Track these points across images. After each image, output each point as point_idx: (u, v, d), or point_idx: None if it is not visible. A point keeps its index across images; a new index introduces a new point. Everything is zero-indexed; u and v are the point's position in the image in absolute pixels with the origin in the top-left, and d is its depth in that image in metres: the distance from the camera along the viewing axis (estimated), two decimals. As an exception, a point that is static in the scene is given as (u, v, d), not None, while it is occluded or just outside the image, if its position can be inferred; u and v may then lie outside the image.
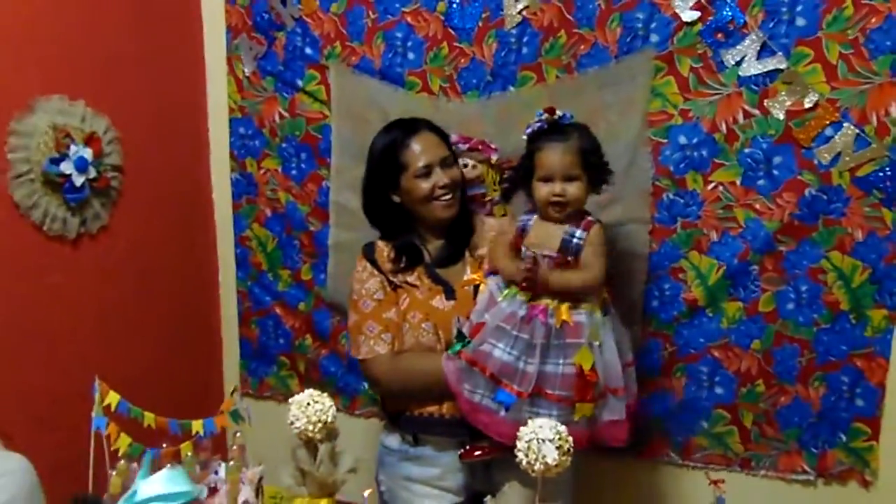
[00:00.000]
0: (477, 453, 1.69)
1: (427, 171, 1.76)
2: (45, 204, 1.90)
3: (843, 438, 1.95)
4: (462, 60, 2.11)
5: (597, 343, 1.61)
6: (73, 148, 1.93)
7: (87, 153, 1.97)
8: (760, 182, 1.90)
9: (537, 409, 1.60)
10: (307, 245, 2.42)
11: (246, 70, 2.39)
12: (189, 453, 1.55)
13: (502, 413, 1.61)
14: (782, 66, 1.83)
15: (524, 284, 1.61)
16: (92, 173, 1.99)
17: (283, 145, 2.39)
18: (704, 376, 2.03)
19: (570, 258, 1.62)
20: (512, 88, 2.07)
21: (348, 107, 2.25)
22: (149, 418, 1.56)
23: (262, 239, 2.49)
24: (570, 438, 1.37)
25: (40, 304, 1.95)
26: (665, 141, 1.96)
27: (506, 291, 1.66)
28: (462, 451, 1.70)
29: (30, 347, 1.92)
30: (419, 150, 1.77)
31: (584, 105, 1.97)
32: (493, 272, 1.72)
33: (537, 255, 1.63)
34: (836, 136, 1.82)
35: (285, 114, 2.37)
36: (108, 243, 2.12)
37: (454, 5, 2.09)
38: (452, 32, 2.11)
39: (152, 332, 2.33)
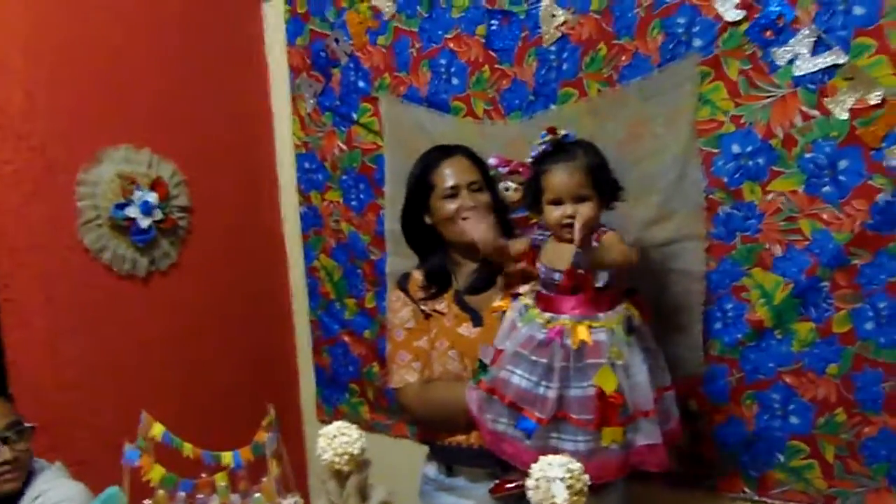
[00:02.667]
0: (508, 486, 1.63)
1: (454, 193, 1.76)
2: (113, 246, 2.06)
3: (942, 475, 1.71)
4: (504, 82, 2.08)
5: (620, 362, 1.52)
6: (137, 193, 2.07)
7: (152, 197, 2.11)
8: (826, 189, 1.71)
9: (563, 436, 1.54)
10: (369, 273, 2.46)
11: (307, 107, 2.48)
12: (223, 483, 1.60)
13: (526, 442, 1.55)
14: (841, 61, 1.65)
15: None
16: (158, 215, 2.13)
17: (344, 177, 2.45)
18: (777, 404, 1.85)
19: (580, 271, 1.54)
20: (553, 106, 2.01)
21: (399, 136, 2.28)
22: (187, 449, 1.62)
23: (329, 269, 2.55)
24: (586, 477, 1.30)
25: (115, 340, 2.10)
26: (717, 151, 1.82)
27: (525, 315, 1.60)
28: (493, 485, 1.65)
29: (106, 382, 2.07)
30: (448, 173, 1.78)
31: (628, 118, 1.90)
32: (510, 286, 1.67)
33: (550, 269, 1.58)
34: (910, 135, 1.62)
35: (343, 147, 2.43)
36: (179, 279, 2.26)
37: (493, 27, 2.07)
38: (493, 54, 2.08)
39: (228, 362, 2.45)
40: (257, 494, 1.57)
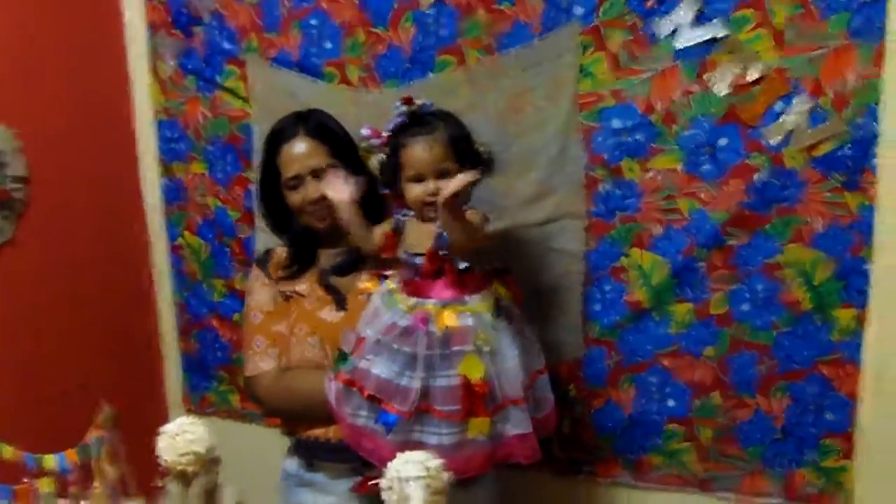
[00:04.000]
0: (371, 483, 1.51)
1: (296, 184, 1.61)
2: (-70, 221, 1.80)
3: (813, 457, 1.71)
4: (379, 47, 1.93)
5: (487, 349, 1.42)
6: (-41, 161, 1.82)
7: (-23, 166, 1.85)
8: (705, 168, 1.67)
9: (426, 429, 1.43)
10: (238, 252, 2.27)
11: (168, 69, 2.25)
12: (48, 490, 1.41)
13: (387, 437, 1.43)
14: (722, 35, 1.60)
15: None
16: (-15, 186, 1.88)
17: (209, 147, 2.24)
18: (654, 387, 1.81)
19: (443, 253, 1.43)
20: (431, 74, 1.88)
21: (269, 103, 2.08)
22: (7, 452, 1.43)
23: (195, 247, 2.34)
24: (445, 475, 1.20)
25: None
26: (598, 125, 1.74)
27: (389, 299, 1.48)
28: (354, 482, 1.53)
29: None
30: (290, 158, 1.62)
31: (508, 88, 1.80)
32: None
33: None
34: (787, 112, 1.58)
35: (208, 114, 2.21)
36: (15, 258, 1.99)
37: (368, -14, 1.92)
38: (368, 17, 1.93)
39: (80, 351, 2.20)
40: (84, 503, 1.39)
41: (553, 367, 1.67)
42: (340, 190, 1.50)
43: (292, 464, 1.68)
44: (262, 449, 2.02)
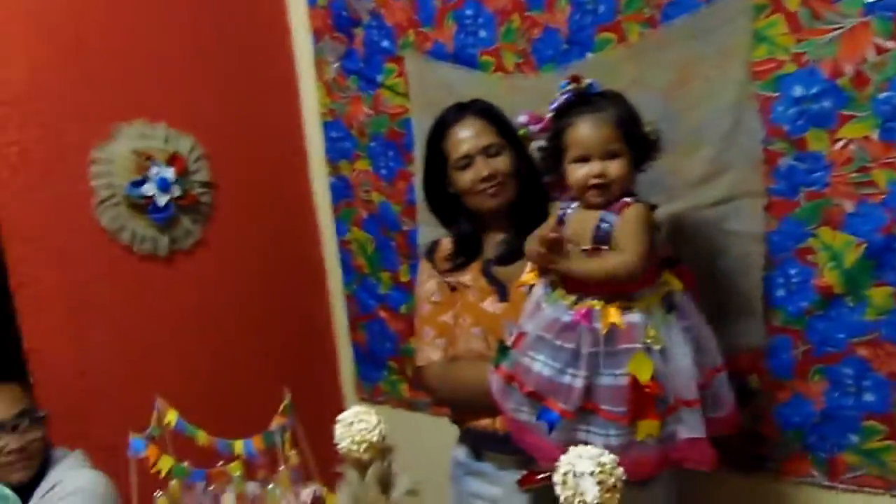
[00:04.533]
0: (538, 477, 1.48)
1: (467, 163, 1.60)
2: (132, 226, 1.98)
3: None
4: (535, 31, 1.89)
5: (657, 347, 1.34)
6: (153, 169, 1.99)
7: (170, 173, 2.02)
8: (905, 134, 1.49)
9: (592, 429, 1.37)
10: (402, 245, 2.32)
11: (331, 71, 2.34)
12: (237, 473, 1.51)
13: (550, 434, 1.39)
14: (922, -18, 1.41)
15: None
16: (177, 192, 2.05)
17: (372, 144, 2.31)
18: (849, 380, 1.63)
19: (604, 247, 1.36)
20: (590, 55, 1.81)
21: (426, 97, 2.12)
22: (201, 437, 1.54)
23: (362, 241, 2.43)
24: (619, 471, 1.15)
25: (138, 323, 2.04)
26: (776, 94, 1.60)
27: (551, 294, 1.43)
28: (521, 476, 1.51)
29: (130, 367, 2.01)
30: (459, 140, 1.62)
31: (674, 62, 1.71)
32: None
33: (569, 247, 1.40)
34: None
35: (370, 112, 2.29)
36: (204, 258, 2.18)
37: (521, -30, 1.88)
38: (522, 1, 1.90)
39: (263, 341, 2.37)
40: (272, 485, 1.48)
41: (732, 357, 1.56)
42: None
43: (461, 453, 1.70)
44: (432, 437, 2.05)
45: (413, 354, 1.74)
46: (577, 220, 1.43)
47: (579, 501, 1.12)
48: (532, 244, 1.45)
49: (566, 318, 1.37)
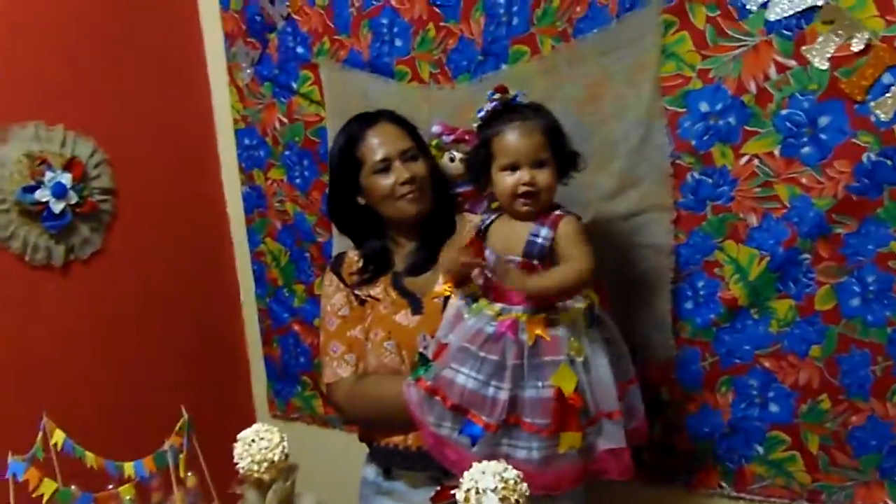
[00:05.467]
0: (452, 493, 1.45)
1: (386, 166, 1.56)
2: (23, 234, 1.86)
3: (938, 466, 1.54)
4: (450, 41, 1.88)
5: (580, 359, 1.34)
6: (48, 174, 1.87)
7: (66, 178, 1.91)
8: (805, 150, 1.52)
9: (514, 442, 1.35)
10: (317, 257, 2.27)
11: (245, 77, 2.27)
12: (128, 497, 1.42)
13: (472, 448, 1.36)
14: (820, 3, 1.45)
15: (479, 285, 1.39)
16: (74, 198, 1.93)
17: (286, 153, 2.25)
18: (755, 391, 1.66)
19: (535, 262, 1.35)
20: (504, 66, 1.81)
21: (341, 105, 2.07)
22: (90, 459, 1.45)
23: (276, 253, 2.36)
24: (523, 487, 1.13)
25: (32, 336, 1.90)
26: (683, 110, 1.62)
27: (473, 305, 1.41)
28: (434, 493, 1.47)
29: (21, 384, 1.88)
30: (376, 144, 1.58)
31: (586, 76, 1.71)
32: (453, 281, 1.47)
33: (501, 258, 1.38)
34: (898, 84, 1.42)
35: (284, 119, 2.23)
36: (104, 268, 2.06)
37: (437, -20, 1.86)
38: (438, 11, 1.88)
39: (168, 357, 2.26)
40: (172, 506, 1.40)
41: (642, 369, 1.57)
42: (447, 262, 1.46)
43: (371, 471, 1.64)
44: (346, 455, 1.99)
45: (322, 371, 1.67)
46: (502, 230, 1.42)
47: (482, 518, 1.10)
48: (451, 256, 1.44)
49: (490, 328, 1.35)
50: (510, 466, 1.13)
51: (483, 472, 1.13)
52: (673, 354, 1.73)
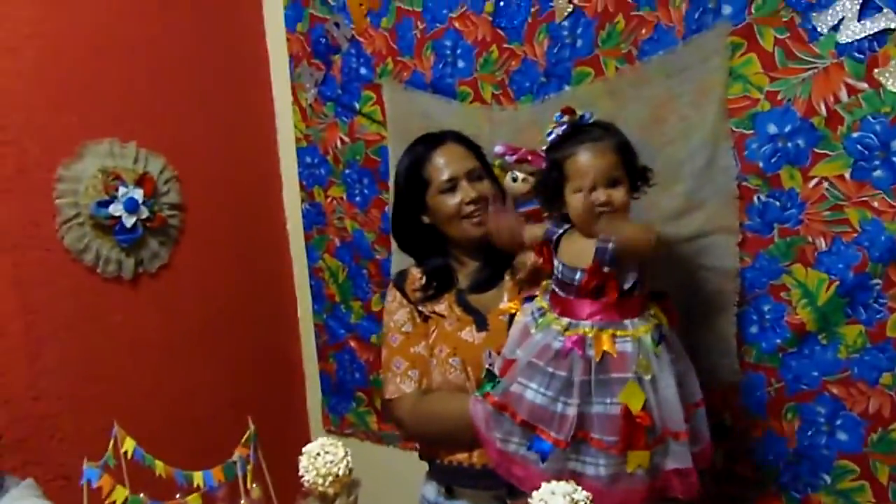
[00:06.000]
0: (517, 513, 1.45)
1: (452, 186, 1.58)
2: (96, 247, 1.92)
3: None
4: (513, 63, 1.90)
5: (648, 377, 1.33)
6: (122, 189, 1.94)
7: (138, 194, 1.97)
8: (877, 173, 1.50)
9: (583, 458, 1.35)
10: (375, 274, 2.29)
11: (308, 97, 2.33)
12: (194, 507, 1.46)
13: (540, 465, 1.36)
14: (893, 25, 1.43)
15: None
16: (145, 213, 1.99)
17: (347, 171, 2.29)
18: (822, 419, 1.63)
19: (606, 269, 1.34)
20: (568, 88, 1.82)
21: (403, 125, 2.10)
22: (159, 467, 1.48)
23: (334, 269, 2.40)
24: (593, 507, 1.12)
25: (100, 346, 1.96)
26: (751, 132, 1.62)
27: (540, 320, 1.41)
28: (502, 509, 1.47)
29: (90, 393, 1.93)
30: (442, 164, 1.60)
31: (650, 98, 1.71)
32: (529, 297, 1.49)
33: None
34: (977, 107, 1.40)
35: (346, 139, 2.27)
36: (171, 281, 2.11)
37: (501, 3, 1.88)
38: (501, 33, 1.90)
39: (229, 368, 2.30)
40: (241, 517, 1.42)
41: (705, 393, 1.54)
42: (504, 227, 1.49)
43: (431, 490, 1.64)
44: (400, 472, 2.01)
45: (381, 386, 1.68)
46: (573, 247, 1.42)
47: (553, 537, 1.09)
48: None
49: (557, 344, 1.35)
50: (580, 487, 1.13)
51: (553, 493, 1.12)
52: (738, 379, 1.71)
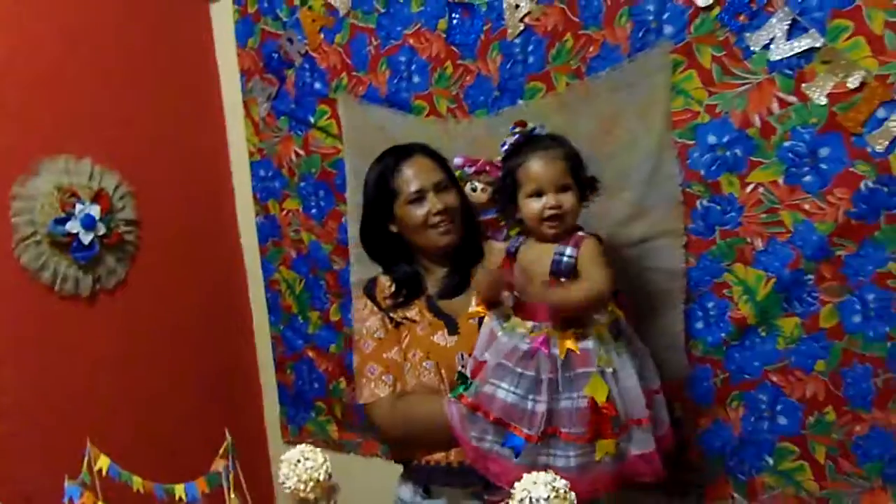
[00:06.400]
0: (497, 506, 1.52)
1: (419, 197, 1.65)
2: (53, 265, 1.90)
3: (938, 471, 1.65)
4: (467, 78, 1.98)
5: (610, 370, 1.43)
6: (78, 206, 1.92)
7: (95, 210, 1.96)
8: (807, 179, 1.64)
9: (553, 451, 1.44)
10: (333, 285, 2.33)
11: (261, 111, 2.35)
12: (176, 519, 1.47)
13: (514, 460, 1.44)
14: (818, 44, 1.58)
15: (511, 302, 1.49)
16: (102, 230, 1.98)
17: (302, 184, 2.33)
18: (764, 405, 1.77)
19: (562, 279, 1.44)
20: (521, 102, 1.91)
21: (359, 139, 2.16)
22: (137, 483, 1.48)
23: (290, 281, 2.42)
24: (572, 495, 1.20)
25: (59, 365, 1.94)
26: (692, 142, 1.74)
27: (505, 325, 1.50)
28: (479, 506, 1.54)
29: (51, 411, 1.91)
30: (410, 176, 1.66)
31: (599, 112, 1.82)
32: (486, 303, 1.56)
33: (524, 269, 1.48)
34: (892, 118, 1.55)
35: (301, 152, 2.31)
36: (128, 298, 2.10)
37: (455, 21, 1.97)
38: (455, 49, 1.98)
39: (187, 383, 2.30)
40: (218, 528, 1.44)
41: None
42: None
43: (407, 491, 1.69)
44: (362, 479, 2.04)
45: (356, 393, 1.72)
46: (530, 253, 1.51)
47: (536, 526, 1.17)
48: (482, 279, 1.54)
49: (524, 345, 1.44)
50: (558, 476, 1.21)
51: (535, 483, 1.19)
52: (686, 372, 1.83)
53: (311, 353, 2.43)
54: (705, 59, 1.70)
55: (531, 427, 1.42)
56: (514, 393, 1.44)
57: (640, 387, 1.46)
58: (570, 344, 1.42)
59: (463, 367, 1.55)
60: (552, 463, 1.41)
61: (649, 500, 1.88)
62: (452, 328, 1.63)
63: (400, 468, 1.76)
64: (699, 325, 1.81)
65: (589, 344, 1.43)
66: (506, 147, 1.53)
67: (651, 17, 1.73)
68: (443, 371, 1.60)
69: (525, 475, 1.21)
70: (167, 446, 2.15)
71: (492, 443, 1.47)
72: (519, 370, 1.44)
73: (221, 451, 1.55)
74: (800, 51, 1.60)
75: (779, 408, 1.76)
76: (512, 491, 1.21)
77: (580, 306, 1.44)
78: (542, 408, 1.42)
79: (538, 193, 1.47)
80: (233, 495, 1.55)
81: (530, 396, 1.43)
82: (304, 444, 1.48)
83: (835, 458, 1.72)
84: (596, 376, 1.41)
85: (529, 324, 1.47)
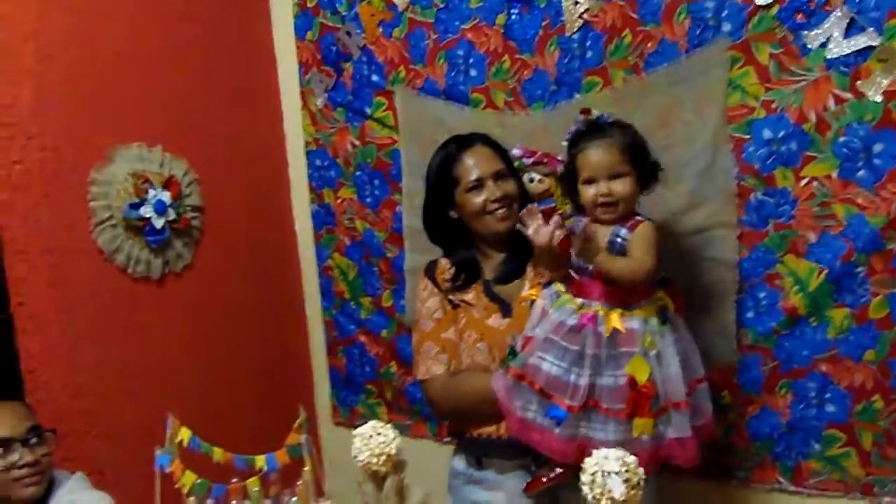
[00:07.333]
0: (543, 480, 1.59)
1: (479, 185, 1.72)
2: (127, 248, 1.99)
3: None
4: (525, 72, 2.04)
5: (653, 352, 1.50)
6: (151, 192, 2.01)
7: (166, 196, 2.05)
8: (860, 173, 1.69)
9: (594, 424, 1.51)
10: (386, 272, 2.41)
11: (318, 103, 2.43)
12: (255, 489, 1.54)
13: (555, 430, 1.52)
14: (875, 43, 1.63)
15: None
16: (171, 215, 2.07)
17: (357, 173, 2.40)
18: (813, 393, 1.82)
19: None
20: (578, 96, 1.97)
21: (415, 130, 2.23)
22: (217, 454, 1.57)
23: (344, 268, 2.50)
24: (641, 471, 1.26)
25: (131, 344, 2.03)
26: (748, 137, 1.79)
27: (556, 301, 1.57)
28: (527, 482, 1.61)
29: (122, 388, 2.01)
30: (471, 164, 1.73)
31: (655, 106, 1.87)
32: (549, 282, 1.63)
33: (588, 225, 1.54)
34: (947, 115, 1.60)
35: (357, 142, 2.38)
36: (193, 281, 2.20)
37: (513, 16, 2.03)
38: (513, 44, 2.04)
39: (243, 364, 2.39)
40: (294, 499, 1.52)
41: (706, 374, 1.71)
42: (541, 234, 1.56)
43: (460, 463, 1.77)
44: (412, 460, 2.11)
45: (413, 368, 1.81)
46: (597, 227, 1.56)
47: (607, 499, 1.23)
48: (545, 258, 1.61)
49: (572, 321, 1.51)
50: (629, 453, 1.27)
51: (606, 458, 1.26)
52: (735, 360, 1.88)
53: (362, 338, 2.51)
54: (762, 55, 1.75)
55: (573, 398, 1.50)
56: (558, 365, 1.52)
57: (682, 373, 1.52)
58: (616, 322, 1.49)
59: (514, 344, 1.63)
60: (591, 435, 1.49)
61: (695, 486, 1.94)
62: (506, 312, 1.70)
63: (448, 449, 1.85)
64: (750, 314, 1.86)
65: (634, 324, 1.50)
66: (569, 135, 1.59)
67: (710, 15, 1.78)
68: (495, 352, 1.68)
69: (595, 452, 1.27)
70: (224, 424, 2.22)
71: (535, 413, 1.55)
72: (564, 344, 1.52)
73: (296, 425, 1.63)
74: (856, 49, 1.65)
75: (827, 395, 1.81)
76: (584, 465, 1.28)
77: (618, 278, 1.50)
78: (584, 381, 1.49)
79: (592, 180, 1.54)
80: (307, 468, 1.64)
81: (574, 370, 1.51)
82: (375, 421, 1.56)
83: (881, 445, 1.77)
84: (638, 356, 1.48)
85: (579, 301, 1.54)
